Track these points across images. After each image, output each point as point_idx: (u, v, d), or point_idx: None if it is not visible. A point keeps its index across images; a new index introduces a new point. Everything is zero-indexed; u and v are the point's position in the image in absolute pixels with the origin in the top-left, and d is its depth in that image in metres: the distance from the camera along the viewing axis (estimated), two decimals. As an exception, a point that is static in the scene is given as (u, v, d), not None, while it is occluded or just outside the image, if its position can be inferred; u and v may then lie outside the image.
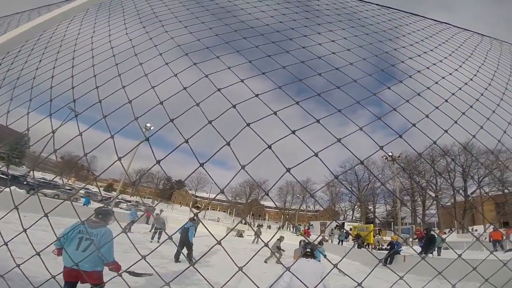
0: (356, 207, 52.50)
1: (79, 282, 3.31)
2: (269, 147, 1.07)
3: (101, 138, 1.25)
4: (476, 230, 26.47)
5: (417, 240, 16.12)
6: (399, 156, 26.83)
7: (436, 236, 11.64)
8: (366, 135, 1.39)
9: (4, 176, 17.44)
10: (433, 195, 38.41)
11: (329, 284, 3.30)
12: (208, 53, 1.70)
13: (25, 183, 19.02)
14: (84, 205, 19.08)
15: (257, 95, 1.37)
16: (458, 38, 2.21)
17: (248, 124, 1.18)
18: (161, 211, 22.90)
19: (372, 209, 48.59)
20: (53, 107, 1.59)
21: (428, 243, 11.27)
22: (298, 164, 1.04)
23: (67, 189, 24.84)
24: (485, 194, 33.64)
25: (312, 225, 41.01)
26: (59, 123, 1.55)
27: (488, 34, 2.48)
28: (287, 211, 56.86)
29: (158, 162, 1.20)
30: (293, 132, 1.12)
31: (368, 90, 1.56)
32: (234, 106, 1.34)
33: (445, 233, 25.02)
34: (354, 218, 49.76)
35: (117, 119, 1.65)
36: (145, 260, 0.94)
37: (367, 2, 2.72)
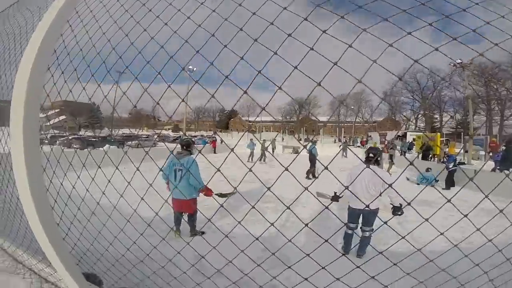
0: (419, 116, 49.54)
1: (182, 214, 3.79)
2: (295, 67, 1.06)
3: (152, 89, 1.45)
4: None
5: (490, 153, 13.03)
6: (470, 63, 21.93)
7: None
8: (419, 40, 1.22)
9: (96, 139, 21.38)
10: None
11: (394, 195, 2.95)
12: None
13: (112, 140, 22.91)
14: (203, 144, 22.68)
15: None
16: None
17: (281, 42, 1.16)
18: (222, 141, 25.19)
19: (438, 118, 45.16)
20: (101, 73, 1.74)
21: (506, 157, 8.82)
22: (325, 75, 1.02)
23: (145, 138, 29.03)
24: None
25: (370, 136, 39.38)
26: (110, 85, 1.71)
27: None
28: (342, 124, 56.54)
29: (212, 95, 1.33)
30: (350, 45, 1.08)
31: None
32: (241, 29, 1.24)
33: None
34: (417, 128, 46.91)
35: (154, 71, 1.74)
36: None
37: None
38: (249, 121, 65.03)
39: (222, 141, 24.48)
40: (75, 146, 18.85)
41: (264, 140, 16.13)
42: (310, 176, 9.66)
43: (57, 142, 19.31)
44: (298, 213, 5.09)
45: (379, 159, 3.22)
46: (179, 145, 3.78)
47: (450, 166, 8.09)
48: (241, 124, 68.06)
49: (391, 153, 11.64)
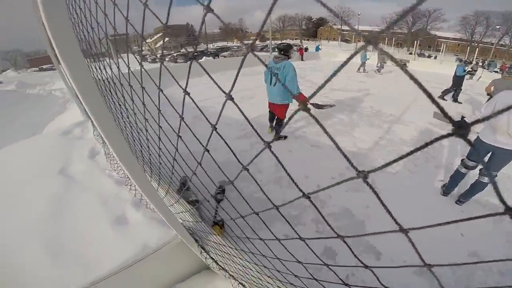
0: None
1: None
2: None
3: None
4: None
5: None
6: None
7: None
8: None
9: (196, 53, 24.34)
10: None
11: None
12: None
13: (209, 53, 26.06)
14: (316, 51, 22.04)
15: None
16: None
17: None
18: (306, 48, 22.77)
19: None
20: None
21: None
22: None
23: (236, 48, 29.69)
24: None
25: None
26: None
27: None
28: (476, 44, 42.56)
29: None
30: None
31: None
32: None
33: None
34: None
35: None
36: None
37: None
38: (343, 30, 56.76)
39: (306, 49, 22.19)
40: (179, 61, 22.71)
41: (382, 50, 14.06)
42: (446, 97, 7.80)
43: (166, 59, 23.63)
44: (398, 132, 4.63)
45: None
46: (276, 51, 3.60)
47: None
48: (331, 33, 60.74)
49: None
